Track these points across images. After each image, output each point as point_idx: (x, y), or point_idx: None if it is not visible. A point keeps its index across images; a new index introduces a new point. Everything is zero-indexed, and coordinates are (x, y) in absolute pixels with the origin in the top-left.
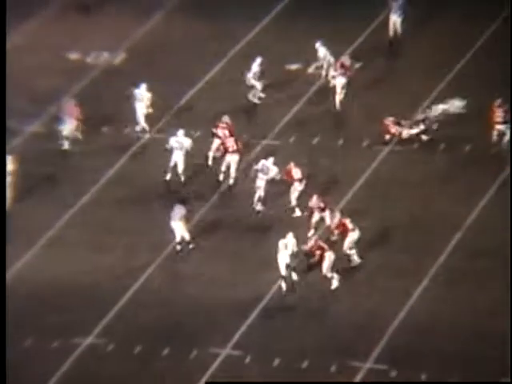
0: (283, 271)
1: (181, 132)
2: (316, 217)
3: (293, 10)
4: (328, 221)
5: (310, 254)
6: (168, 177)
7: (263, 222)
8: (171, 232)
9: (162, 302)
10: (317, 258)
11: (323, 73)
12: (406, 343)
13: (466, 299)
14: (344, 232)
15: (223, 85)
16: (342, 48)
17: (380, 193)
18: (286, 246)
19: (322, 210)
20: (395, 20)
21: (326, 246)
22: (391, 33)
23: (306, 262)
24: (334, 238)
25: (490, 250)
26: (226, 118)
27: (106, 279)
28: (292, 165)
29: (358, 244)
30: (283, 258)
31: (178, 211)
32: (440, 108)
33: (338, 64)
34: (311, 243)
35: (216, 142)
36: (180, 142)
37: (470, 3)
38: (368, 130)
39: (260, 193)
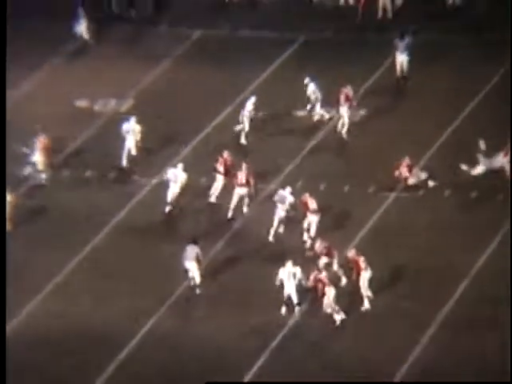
0: (286, 297)
1: (180, 166)
2: (324, 260)
3: (300, 56)
4: (335, 267)
5: (312, 289)
6: (167, 209)
7: (274, 256)
8: (179, 276)
9: (171, 346)
10: (319, 293)
11: (308, 106)
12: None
13: (472, 346)
14: (357, 270)
15: (230, 130)
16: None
17: (386, 239)
18: (294, 276)
19: (327, 254)
20: (402, 59)
21: (326, 281)
22: (398, 73)
23: (310, 299)
24: (337, 269)
25: (497, 298)
26: (226, 154)
27: (114, 324)
28: (307, 195)
29: (370, 284)
30: (290, 287)
31: (192, 251)
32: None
33: (343, 96)
34: (311, 278)
35: (219, 178)
36: (176, 175)
37: (476, 47)
38: (374, 177)
39: (277, 223)
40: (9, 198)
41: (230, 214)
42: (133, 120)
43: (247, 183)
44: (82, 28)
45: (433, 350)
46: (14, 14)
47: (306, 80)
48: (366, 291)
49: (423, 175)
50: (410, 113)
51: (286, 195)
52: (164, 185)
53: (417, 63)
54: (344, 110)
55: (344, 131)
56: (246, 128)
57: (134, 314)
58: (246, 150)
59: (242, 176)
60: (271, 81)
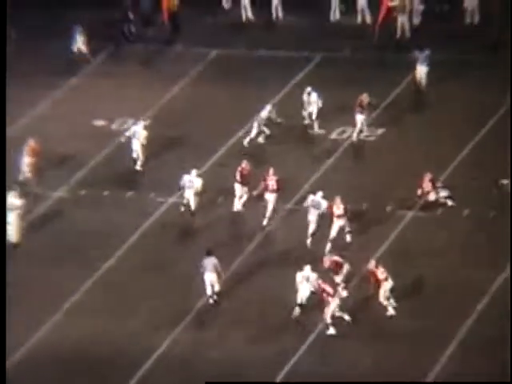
0: (299, 300)
1: (194, 172)
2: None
3: (317, 76)
4: (338, 279)
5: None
6: (182, 209)
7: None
8: (195, 295)
9: (186, 366)
10: (324, 301)
11: (305, 114)
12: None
13: (493, 365)
14: (376, 282)
15: (248, 149)
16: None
17: (404, 258)
18: (307, 279)
19: (334, 268)
20: (421, 71)
21: (331, 291)
22: (418, 84)
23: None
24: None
25: None
26: (244, 163)
27: (129, 344)
28: (337, 200)
29: (392, 293)
30: (304, 290)
31: (209, 262)
32: None
33: (358, 103)
34: (315, 286)
35: (237, 188)
36: (191, 181)
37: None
38: (392, 195)
39: (313, 227)
40: (18, 203)
41: (265, 222)
42: (141, 124)
43: (278, 189)
44: (79, 45)
45: (453, 369)
46: (32, 34)
47: (309, 89)
48: (385, 300)
49: (444, 192)
50: (429, 131)
51: (320, 200)
52: (179, 204)
53: (435, 81)
54: (359, 118)
55: (355, 134)
56: (253, 134)
57: (149, 334)
58: (266, 160)
59: (272, 182)
60: (287, 100)
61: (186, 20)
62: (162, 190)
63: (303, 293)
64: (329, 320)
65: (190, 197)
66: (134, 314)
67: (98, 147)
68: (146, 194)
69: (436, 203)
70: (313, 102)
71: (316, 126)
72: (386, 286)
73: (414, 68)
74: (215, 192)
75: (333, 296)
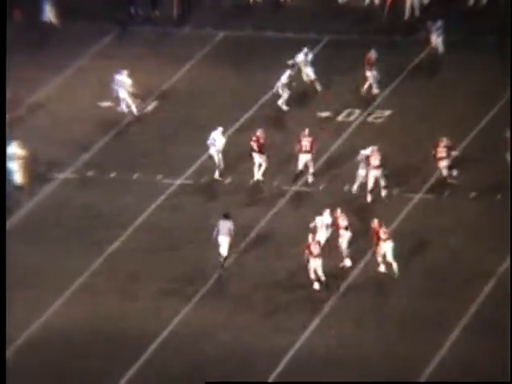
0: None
1: (220, 129)
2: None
3: (324, 57)
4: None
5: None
6: (217, 175)
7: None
8: (204, 275)
9: (193, 348)
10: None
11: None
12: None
13: (498, 349)
14: (378, 241)
15: (253, 132)
16: (373, 96)
17: (411, 240)
18: (326, 227)
19: (345, 228)
20: (436, 41)
21: (345, 224)
22: (434, 52)
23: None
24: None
25: None
26: (259, 132)
27: (135, 326)
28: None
29: (394, 255)
30: (321, 236)
31: (224, 225)
32: None
33: (366, 60)
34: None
35: (255, 157)
36: (214, 139)
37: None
38: (399, 178)
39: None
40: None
41: (296, 176)
42: (125, 73)
43: (311, 150)
44: (48, 14)
45: (458, 353)
46: (40, 15)
47: (305, 50)
48: (384, 259)
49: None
50: (436, 112)
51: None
52: (186, 186)
53: (443, 62)
54: (369, 74)
55: (365, 87)
56: (285, 96)
57: (156, 315)
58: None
59: (306, 143)
60: (295, 81)
61: (193, 2)
62: (168, 172)
63: (321, 236)
64: (345, 252)
65: (214, 154)
66: (141, 296)
67: (105, 129)
68: (152, 176)
69: (444, 183)
70: (309, 62)
71: (318, 85)
72: (387, 247)
73: (427, 42)
74: (223, 171)
75: (347, 229)
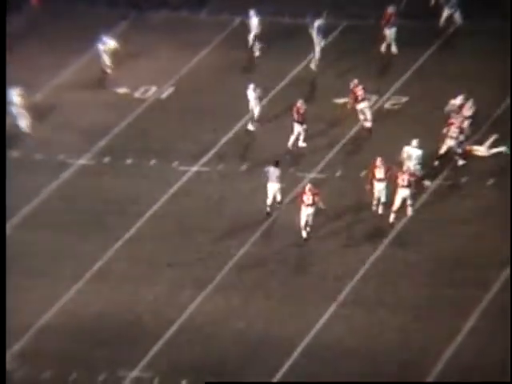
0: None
1: (252, 85)
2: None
3: (342, 42)
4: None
5: None
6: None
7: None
8: (219, 262)
9: (207, 336)
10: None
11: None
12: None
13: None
14: (395, 184)
15: (269, 118)
16: (390, 83)
17: (429, 226)
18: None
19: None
20: (449, 13)
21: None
22: (442, 23)
23: None
24: None
25: None
26: (299, 103)
27: (152, 313)
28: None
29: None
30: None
31: (274, 172)
32: None
33: (386, 16)
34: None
35: (296, 128)
36: (252, 93)
37: None
38: None
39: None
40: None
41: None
42: (108, 39)
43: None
44: None
45: (475, 340)
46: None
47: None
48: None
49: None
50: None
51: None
52: (203, 172)
53: (460, 49)
54: (387, 32)
55: (386, 47)
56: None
57: (172, 303)
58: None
59: (361, 92)
60: (309, 68)
61: None
62: (185, 159)
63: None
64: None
65: (253, 107)
66: (157, 283)
67: (121, 115)
68: (169, 163)
69: (459, 170)
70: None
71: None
72: (404, 193)
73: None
74: (238, 160)
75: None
